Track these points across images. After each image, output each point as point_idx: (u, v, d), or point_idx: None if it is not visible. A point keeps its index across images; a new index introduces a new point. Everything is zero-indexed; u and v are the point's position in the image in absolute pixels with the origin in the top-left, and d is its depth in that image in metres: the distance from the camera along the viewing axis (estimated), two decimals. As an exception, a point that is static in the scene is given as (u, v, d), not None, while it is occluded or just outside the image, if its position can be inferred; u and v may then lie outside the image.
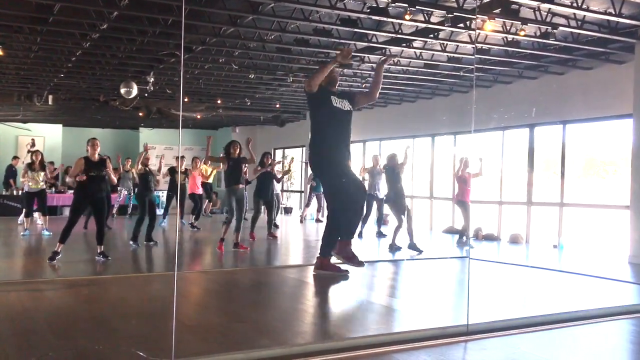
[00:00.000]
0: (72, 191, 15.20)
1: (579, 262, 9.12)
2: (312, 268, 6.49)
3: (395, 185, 9.47)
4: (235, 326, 4.28)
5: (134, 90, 11.39)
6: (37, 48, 9.82)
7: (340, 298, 5.73)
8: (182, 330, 3.77)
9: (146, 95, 12.65)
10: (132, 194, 14.59)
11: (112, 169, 8.20)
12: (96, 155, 7.73)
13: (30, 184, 10.61)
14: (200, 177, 13.12)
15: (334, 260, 6.35)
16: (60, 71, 11.53)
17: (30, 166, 10.66)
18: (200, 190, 13.01)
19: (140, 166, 9.49)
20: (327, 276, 6.17)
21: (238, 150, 8.92)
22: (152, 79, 11.53)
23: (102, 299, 5.44)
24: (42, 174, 10.73)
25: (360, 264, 6.27)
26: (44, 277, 6.89)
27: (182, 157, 12.82)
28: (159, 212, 13.03)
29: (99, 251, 7.71)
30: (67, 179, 8.20)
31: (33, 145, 16.39)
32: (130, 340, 3.85)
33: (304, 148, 18.13)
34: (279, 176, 12.12)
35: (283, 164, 18.83)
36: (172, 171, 12.30)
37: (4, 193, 16.13)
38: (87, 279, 6.67)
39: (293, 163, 16.39)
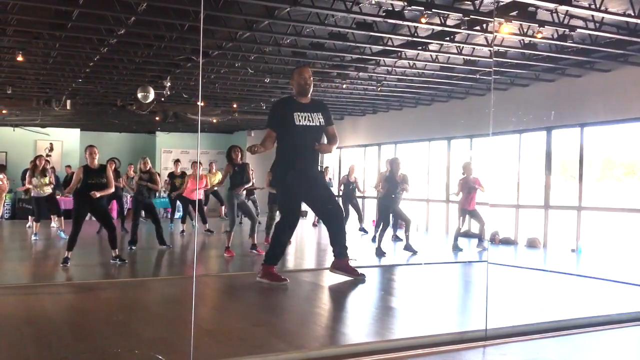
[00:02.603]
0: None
1: (598, 267, 9.01)
2: (326, 272, 6.48)
3: (395, 190, 9.52)
4: (253, 330, 4.28)
5: (151, 95, 11.49)
6: (55, 54, 9.93)
7: (356, 302, 5.71)
8: (200, 334, 3.78)
9: (163, 99, 12.73)
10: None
11: (115, 173, 8.25)
12: (95, 162, 7.78)
13: (37, 189, 10.63)
14: (200, 182, 12.94)
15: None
16: (79, 76, 11.66)
17: (33, 172, 10.66)
18: (199, 196, 12.70)
19: (136, 177, 9.78)
20: (342, 279, 6.15)
21: (240, 154, 8.90)
22: (168, 84, 11.61)
23: (119, 302, 5.47)
24: (47, 178, 10.70)
25: (360, 275, 6.12)
26: (62, 280, 6.96)
27: (177, 160, 13.04)
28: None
29: (114, 255, 7.77)
30: (66, 192, 8.24)
31: (51, 149, 16.60)
32: (148, 343, 3.87)
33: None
34: None
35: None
36: (172, 176, 12.59)
37: (23, 197, 16.32)
38: (105, 282, 6.72)
39: None
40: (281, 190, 6.08)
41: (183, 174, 12.71)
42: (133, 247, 9.32)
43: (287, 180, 5.83)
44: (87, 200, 7.67)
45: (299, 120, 5.70)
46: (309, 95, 5.89)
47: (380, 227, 9.72)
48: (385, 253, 9.36)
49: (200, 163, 13.25)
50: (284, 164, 5.90)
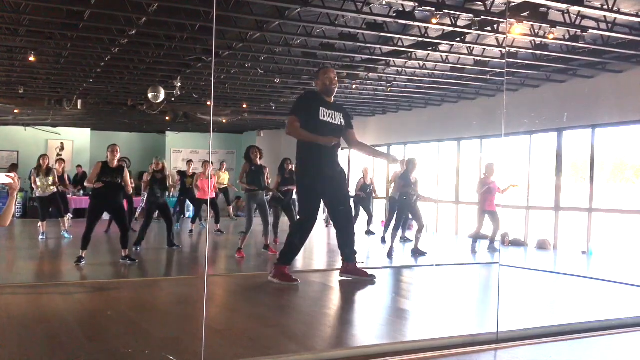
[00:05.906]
0: (85, 194, 15.54)
1: (610, 269, 8.94)
2: (336, 273, 6.47)
3: (413, 190, 9.44)
4: (264, 330, 4.28)
5: (161, 95, 11.53)
6: (67, 54, 9.99)
7: (367, 304, 5.70)
8: (211, 334, 3.79)
9: (173, 99, 12.78)
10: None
11: (130, 177, 8.20)
12: (115, 162, 7.79)
13: (40, 189, 10.62)
14: (211, 182, 12.97)
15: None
16: (90, 76, 11.73)
17: (37, 171, 10.62)
18: (210, 195, 12.78)
19: (147, 175, 9.51)
20: (352, 281, 6.14)
21: (258, 155, 8.89)
22: (179, 84, 11.65)
23: (130, 301, 5.49)
24: (50, 178, 10.62)
25: (370, 276, 6.12)
26: (72, 279, 7.00)
27: (190, 160, 13.02)
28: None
29: (123, 255, 7.78)
30: (86, 184, 8.24)
31: (62, 149, 16.70)
32: (160, 343, 3.88)
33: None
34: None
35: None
36: (183, 175, 12.54)
37: (35, 195, 16.43)
38: (115, 282, 6.75)
39: None
40: (301, 189, 6.06)
41: (194, 174, 12.72)
42: (139, 248, 9.13)
43: (307, 180, 5.86)
44: (104, 198, 7.66)
45: (324, 116, 5.78)
46: (333, 95, 5.99)
47: (391, 226, 9.63)
48: (394, 251, 9.25)
49: (211, 163, 13.20)
50: (305, 162, 5.89)
